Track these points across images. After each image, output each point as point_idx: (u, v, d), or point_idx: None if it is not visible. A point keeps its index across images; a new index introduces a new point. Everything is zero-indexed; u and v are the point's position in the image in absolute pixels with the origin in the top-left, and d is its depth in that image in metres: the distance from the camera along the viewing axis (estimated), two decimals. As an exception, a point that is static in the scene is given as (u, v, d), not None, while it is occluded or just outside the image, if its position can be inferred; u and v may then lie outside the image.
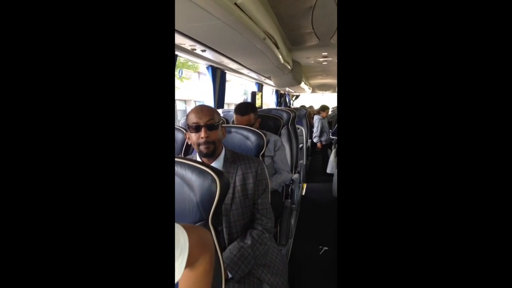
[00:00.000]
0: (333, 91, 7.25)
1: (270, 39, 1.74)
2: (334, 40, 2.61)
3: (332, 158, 3.53)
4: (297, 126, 3.12)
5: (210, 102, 2.67)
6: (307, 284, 1.64)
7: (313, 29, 2.31)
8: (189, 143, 1.06)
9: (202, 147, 0.97)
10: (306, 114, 4.36)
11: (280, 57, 2.20)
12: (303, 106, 5.57)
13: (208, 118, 0.98)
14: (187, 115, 1.01)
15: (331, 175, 3.40)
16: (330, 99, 8.60)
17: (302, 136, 3.51)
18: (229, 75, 3.06)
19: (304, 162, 3.48)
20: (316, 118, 4.26)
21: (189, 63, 6.74)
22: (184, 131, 1.39)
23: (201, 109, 1.00)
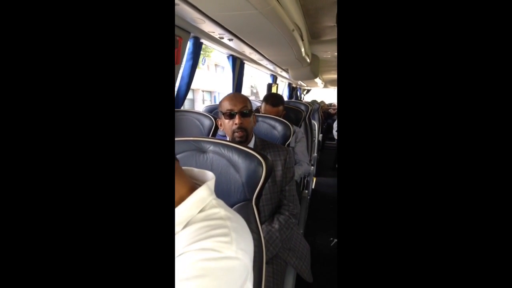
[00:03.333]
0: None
1: (297, 31, 1.75)
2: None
3: (343, 153, 3.56)
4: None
5: (221, 92, 2.69)
6: (321, 271, 1.69)
7: (336, 22, 2.31)
8: (221, 129, 1.09)
9: (236, 134, 1.01)
10: (319, 108, 4.37)
11: (303, 49, 2.21)
12: (314, 101, 5.57)
13: (242, 106, 1.01)
14: (220, 102, 1.04)
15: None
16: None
17: (315, 130, 3.53)
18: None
19: (317, 156, 3.51)
20: None
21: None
22: (213, 118, 1.43)
23: (235, 97, 1.03)
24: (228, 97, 1.04)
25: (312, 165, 2.55)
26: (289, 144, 1.38)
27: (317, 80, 5.37)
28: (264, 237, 0.96)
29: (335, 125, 4.42)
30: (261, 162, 0.70)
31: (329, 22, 2.36)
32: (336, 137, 4.30)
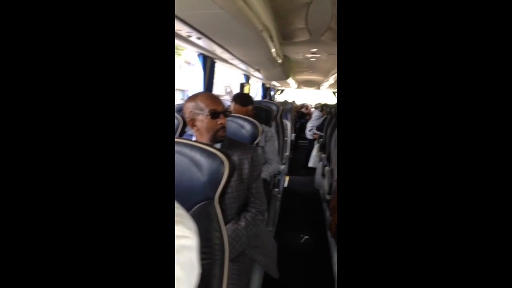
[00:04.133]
0: (317, 88, 7.39)
1: (266, 31, 1.78)
2: (325, 37, 2.68)
3: (315, 152, 3.65)
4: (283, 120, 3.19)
5: (195, 91, 2.66)
6: (290, 267, 1.73)
7: (306, 24, 2.36)
8: (191, 129, 1.07)
9: (221, 133, 1.00)
10: (291, 108, 4.46)
11: (273, 50, 2.24)
12: (286, 101, 5.66)
13: (223, 106, 1.01)
14: (197, 101, 1.00)
15: (312, 168, 3.52)
16: (313, 96, 8.76)
17: (287, 130, 3.60)
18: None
19: (289, 155, 3.57)
20: (317, 113, 4.41)
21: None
22: (180, 117, 1.41)
23: (215, 97, 1.03)
24: (209, 97, 1.02)
25: (283, 164, 2.59)
26: (258, 143, 1.39)
27: (290, 80, 5.46)
28: (230, 236, 0.97)
29: (308, 124, 4.52)
30: (224, 161, 0.71)
31: (300, 24, 2.41)
32: (308, 136, 4.40)
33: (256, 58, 2.50)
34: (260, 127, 1.38)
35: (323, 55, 3.61)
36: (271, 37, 1.96)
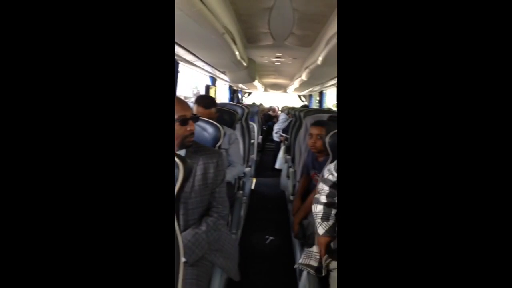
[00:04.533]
0: (284, 91, 7.54)
1: (228, 34, 1.78)
2: (288, 41, 2.75)
3: (281, 154, 3.72)
4: (250, 122, 3.21)
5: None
6: (254, 269, 1.74)
7: (269, 29, 2.40)
8: None
9: (189, 139, 0.98)
10: (258, 111, 4.50)
11: (237, 53, 2.25)
12: (254, 104, 5.71)
13: (191, 111, 0.99)
14: None
15: (280, 170, 3.58)
16: (281, 99, 8.93)
17: (254, 132, 3.63)
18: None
19: (255, 157, 3.60)
20: (283, 115, 4.48)
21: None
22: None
23: (183, 102, 0.99)
24: (177, 102, 0.97)
25: (249, 166, 2.61)
26: (220, 146, 1.39)
27: (257, 83, 5.51)
28: (189, 240, 0.96)
29: (275, 127, 4.59)
30: (178, 164, 0.70)
31: (263, 28, 2.44)
32: (275, 138, 4.46)
33: (220, 61, 2.49)
34: (222, 129, 1.37)
35: (288, 59, 3.69)
36: (234, 40, 1.97)
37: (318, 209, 1.03)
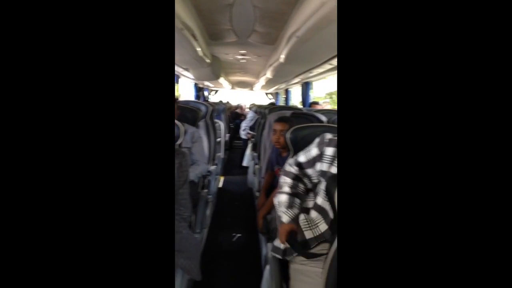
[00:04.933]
0: (251, 89, 7.57)
1: (188, 30, 1.74)
2: (252, 39, 2.76)
3: (248, 152, 3.73)
4: (215, 120, 3.18)
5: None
6: (221, 266, 1.73)
7: (231, 26, 2.39)
8: None
9: None
10: (224, 109, 4.47)
11: (199, 49, 2.21)
12: (220, 101, 5.67)
13: None
14: None
15: (247, 168, 3.60)
16: (250, 97, 8.95)
17: (220, 130, 3.60)
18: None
19: (222, 155, 3.57)
20: (251, 113, 4.47)
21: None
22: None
23: None
24: None
25: (215, 164, 2.58)
26: (180, 144, 1.36)
27: (223, 81, 5.47)
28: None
29: (242, 124, 4.59)
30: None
31: (225, 25, 2.42)
32: (243, 136, 4.46)
33: (180, 57, 2.43)
34: (183, 128, 1.34)
35: (252, 57, 3.71)
36: (194, 36, 1.93)
37: (281, 199, 1.02)
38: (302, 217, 0.98)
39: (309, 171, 0.98)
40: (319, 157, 0.93)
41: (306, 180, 1.02)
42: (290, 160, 1.07)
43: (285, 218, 0.98)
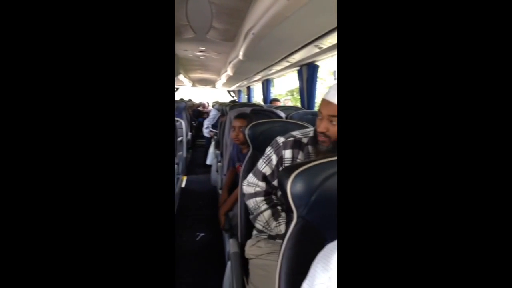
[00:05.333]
0: (213, 86, 7.48)
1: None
2: (210, 35, 2.72)
3: (211, 150, 3.69)
4: (176, 119, 3.09)
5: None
6: (185, 266, 1.70)
7: (188, 21, 2.34)
8: None
9: None
10: (185, 107, 4.37)
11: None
12: (181, 99, 5.52)
13: None
14: None
15: (211, 166, 3.56)
16: (213, 94, 8.84)
17: (182, 128, 3.51)
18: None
19: (184, 155, 3.49)
20: (214, 111, 4.41)
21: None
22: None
23: None
24: None
25: (176, 164, 2.52)
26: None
27: (183, 78, 5.34)
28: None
29: (205, 122, 4.52)
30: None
31: (182, 21, 2.36)
32: (206, 134, 4.40)
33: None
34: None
35: (212, 54, 3.67)
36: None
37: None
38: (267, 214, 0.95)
39: (275, 183, 0.95)
40: (280, 162, 0.93)
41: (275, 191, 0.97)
42: (250, 178, 1.01)
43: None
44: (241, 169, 1.24)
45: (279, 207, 0.95)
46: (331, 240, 0.47)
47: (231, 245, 1.13)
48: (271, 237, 0.97)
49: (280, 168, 0.93)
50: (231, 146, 1.91)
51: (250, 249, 1.00)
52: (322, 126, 0.81)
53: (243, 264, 1.04)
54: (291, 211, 0.64)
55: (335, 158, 0.65)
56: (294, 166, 0.65)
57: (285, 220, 0.92)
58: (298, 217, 0.63)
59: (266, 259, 0.95)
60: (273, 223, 0.93)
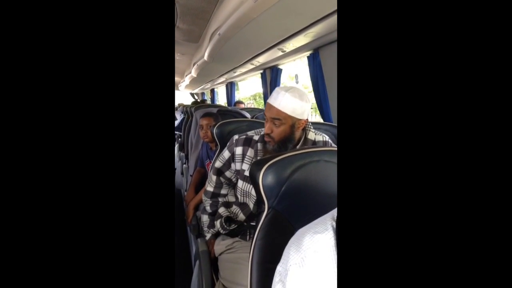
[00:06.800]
0: (176, 89, 7.30)
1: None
2: (174, 36, 2.67)
3: (176, 153, 3.60)
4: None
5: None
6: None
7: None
8: None
9: None
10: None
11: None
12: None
13: None
14: None
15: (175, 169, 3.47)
16: (176, 97, 8.61)
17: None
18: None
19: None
20: (177, 114, 4.38)
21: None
22: None
23: None
24: None
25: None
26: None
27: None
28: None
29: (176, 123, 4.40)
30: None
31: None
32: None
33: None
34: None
35: (176, 54, 3.59)
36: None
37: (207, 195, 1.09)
38: (222, 209, 1.04)
39: (227, 173, 1.04)
40: (232, 158, 1.01)
41: (227, 181, 1.07)
42: (209, 177, 1.12)
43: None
44: (210, 166, 1.25)
45: (221, 209, 1.04)
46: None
47: (199, 244, 1.12)
48: (231, 234, 1.02)
49: (232, 164, 1.01)
50: (200, 145, 1.89)
51: (221, 243, 1.02)
52: (267, 127, 0.91)
53: (211, 262, 1.04)
54: (263, 202, 0.66)
55: (304, 151, 0.69)
56: (265, 160, 0.67)
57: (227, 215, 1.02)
58: (269, 207, 0.66)
59: (236, 253, 0.97)
60: (217, 224, 1.02)
